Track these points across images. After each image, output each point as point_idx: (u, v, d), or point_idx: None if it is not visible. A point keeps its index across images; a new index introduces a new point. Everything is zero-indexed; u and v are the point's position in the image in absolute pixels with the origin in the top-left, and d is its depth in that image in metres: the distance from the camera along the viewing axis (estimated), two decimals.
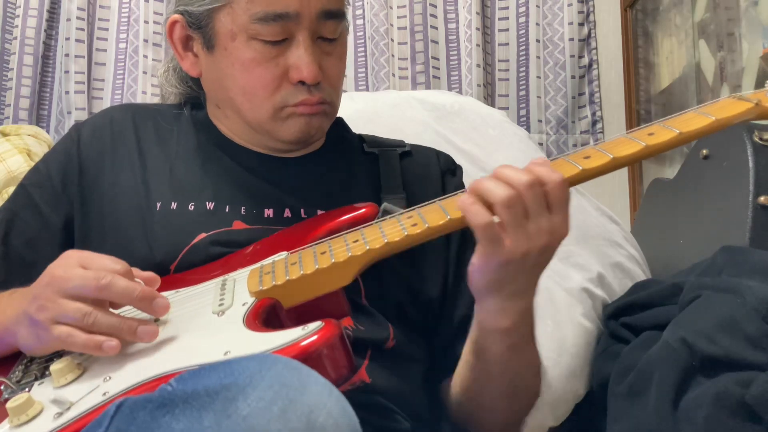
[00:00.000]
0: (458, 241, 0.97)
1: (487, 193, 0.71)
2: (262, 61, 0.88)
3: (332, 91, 0.93)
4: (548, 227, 0.71)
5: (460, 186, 1.01)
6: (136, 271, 0.78)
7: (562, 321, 1.13)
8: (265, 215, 0.92)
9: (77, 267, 0.74)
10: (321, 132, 0.96)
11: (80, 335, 0.71)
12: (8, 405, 0.67)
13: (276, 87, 0.89)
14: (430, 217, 0.76)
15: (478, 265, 0.73)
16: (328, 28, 0.90)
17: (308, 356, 0.64)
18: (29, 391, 0.72)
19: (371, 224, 0.81)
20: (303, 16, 0.87)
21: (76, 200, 0.95)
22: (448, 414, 0.94)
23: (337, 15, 0.90)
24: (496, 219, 0.70)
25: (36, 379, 0.75)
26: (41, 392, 0.72)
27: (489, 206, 0.71)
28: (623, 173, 2.12)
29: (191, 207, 0.92)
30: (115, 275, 0.73)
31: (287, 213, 0.93)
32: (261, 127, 0.93)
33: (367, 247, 0.76)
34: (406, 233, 0.75)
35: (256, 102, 0.91)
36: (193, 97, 1.05)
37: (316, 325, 0.66)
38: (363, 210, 0.87)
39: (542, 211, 0.71)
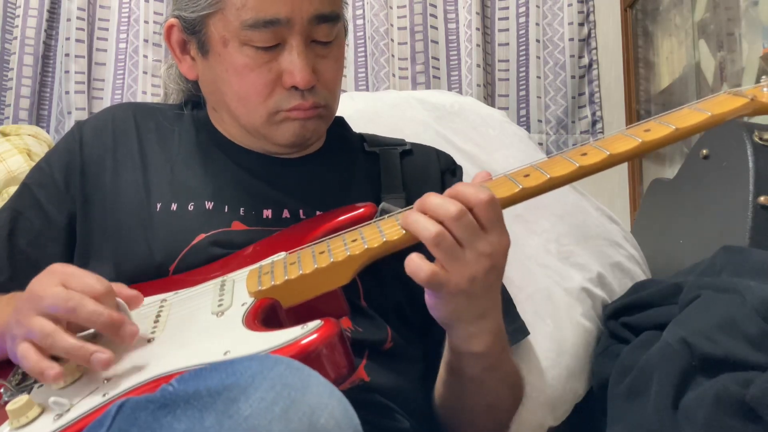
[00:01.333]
0: None
1: (416, 232, 0.72)
2: (254, 66, 0.88)
3: (328, 94, 0.92)
4: (487, 249, 0.71)
5: None
6: (120, 288, 0.77)
7: (562, 321, 1.13)
8: (264, 216, 0.92)
9: (56, 285, 0.72)
10: (317, 135, 0.96)
11: (32, 357, 0.69)
12: (8, 407, 0.67)
13: (269, 92, 0.89)
14: None
15: (430, 303, 0.75)
16: (322, 32, 0.89)
17: (308, 355, 0.64)
18: (29, 393, 0.72)
19: (369, 223, 0.81)
20: (294, 22, 0.86)
21: (78, 199, 0.95)
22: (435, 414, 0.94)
23: (330, 18, 0.89)
24: None
25: (35, 381, 0.74)
26: (41, 394, 0.71)
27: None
28: (623, 173, 2.12)
29: (191, 207, 0.92)
30: (84, 298, 0.70)
31: (286, 214, 0.93)
32: (256, 131, 0.94)
33: (366, 246, 0.76)
34: (404, 232, 0.75)
35: (250, 107, 0.91)
36: (195, 96, 1.05)
37: (315, 323, 0.66)
38: (362, 210, 0.87)
39: (476, 235, 0.71)
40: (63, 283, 0.72)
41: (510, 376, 0.87)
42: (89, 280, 0.73)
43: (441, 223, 0.71)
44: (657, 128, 0.74)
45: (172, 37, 0.96)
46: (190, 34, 0.93)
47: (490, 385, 0.84)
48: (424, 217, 0.72)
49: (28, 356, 0.69)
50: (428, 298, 0.75)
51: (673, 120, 0.74)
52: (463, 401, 0.86)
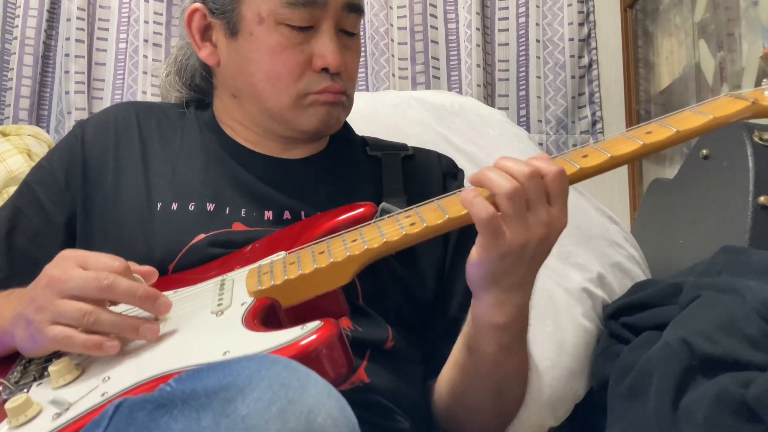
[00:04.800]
0: (455, 242, 0.97)
1: (490, 185, 0.71)
2: (288, 46, 0.90)
3: (351, 84, 0.95)
4: (546, 219, 0.72)
5: None
6: (133, 265, 0.78)
7: (562, 321, 1.13)
8: (265, 217, 0.92)
9: (76, 267, 0.73)
10: (338, 124, 0.97)
11: (79, 336, 0.71)
12: (7, 406, 0.67)
13: (300, 73, 0.91)
14: (429, 216, 0.76)
15: (477, 258, 0.74)
16: (350, 21, 0.93)
17: (307, 355, 0.64)
18: (28, 391, 0.72)
19: (369, 224, 0.81)
20: (330, 5, 0.90)
21: (78, 198, 0.95)
22: (434, 415, 0.94)
23: (359, 9, 0.93)
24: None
25: (34, 379, 0.75)
26: (40, 393, 0.71)
27: (491, 198, 0.71)
28: (623, 173, 2.12)
29: (191, 207, 0.92)
30: (116, 275, 0.72)
31: (287, 215, 0.93)
32: (281, 115, 0.93)
33: (366, 247, 0.76)
34: (404, 232, 0.75)
35: (280, 87, 0.91)
36: (196, 99, 1.05)
37: (314, 324, 0.66)
38: (361, 209, 0.87)
39: (542, 202, 0.72)
40: (81, 266, 0.74)
41: (523, 365, 0.86)
42: (106, 260, 0.75)
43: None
44: (659, 130, 0.74)
45: (194, 23, 0.96)
46: (219, 14, 0.93)
47: (504, 369, 0.83)
48: (500, 172, 0.71)
49: (73, 336, 0.71)
50: (475, 253, 0.74)
51: (675, 122, 0.74)
52: (473, 385, 0.85)
